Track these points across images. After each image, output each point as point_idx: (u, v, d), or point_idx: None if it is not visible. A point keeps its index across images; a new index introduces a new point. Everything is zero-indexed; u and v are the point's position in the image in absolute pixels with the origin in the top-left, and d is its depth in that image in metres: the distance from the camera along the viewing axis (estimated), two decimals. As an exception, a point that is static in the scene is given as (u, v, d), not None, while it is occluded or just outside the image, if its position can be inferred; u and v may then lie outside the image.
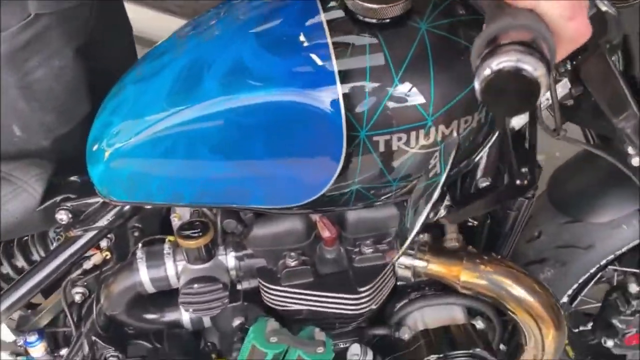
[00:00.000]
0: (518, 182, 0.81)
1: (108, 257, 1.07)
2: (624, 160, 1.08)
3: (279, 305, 1.01)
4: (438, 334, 0.99)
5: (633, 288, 1.22)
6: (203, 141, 0.82)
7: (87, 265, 1.08)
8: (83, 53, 0.97)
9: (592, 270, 1.24)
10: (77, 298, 1.10)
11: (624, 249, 1.20)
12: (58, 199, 0.99)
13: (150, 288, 1.00)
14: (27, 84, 0.92)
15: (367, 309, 0.99)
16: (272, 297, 1.00)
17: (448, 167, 0.74)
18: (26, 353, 1.13)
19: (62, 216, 0.97)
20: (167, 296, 1.08)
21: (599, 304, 1.35)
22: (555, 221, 1.23)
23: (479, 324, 1.05)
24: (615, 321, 1.27)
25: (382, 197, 0.88)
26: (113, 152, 0.85)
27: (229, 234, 1.01)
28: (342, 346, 1.07)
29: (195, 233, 0.95)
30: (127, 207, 0.99)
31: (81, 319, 1.13)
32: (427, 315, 1.04)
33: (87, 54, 0.98)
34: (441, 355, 0.96)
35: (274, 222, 0.97)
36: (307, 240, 0.99)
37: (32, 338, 1.09)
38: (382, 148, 0.79)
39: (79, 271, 1.09)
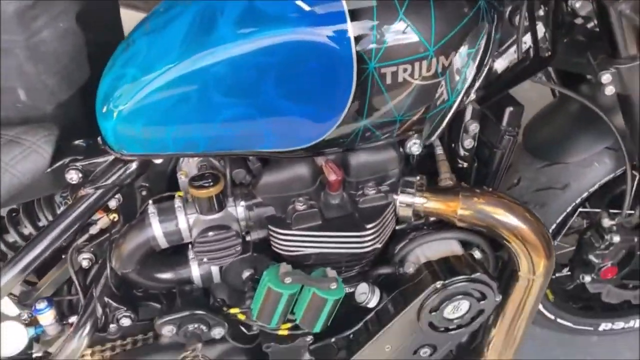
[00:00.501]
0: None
1: (115, 219, 1.09)
2: (594, 99, 1.19)
3: (289, 251, 1.05)
4: (440, 264, 1.06)
5: (606, 223, 1.32)
6: (217, 85, 0.86)
7: (94, 230, 1.10)
8: (83, 20, 1.00)
9: (568, 210, 1.34)
10: (85, 264, 1.10)
11: (596, 186, 1.30)
12: (66, 160, 1.00)
13: (163, 243, 1.03)
14: (33, 44, 0.94)
15: (373, 246, 1.05)
16: (282, 243, 1.04)
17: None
18: (34, 323, 1.13)
19: (72, 175, 0.99)
20: (176, 255, 1.12)
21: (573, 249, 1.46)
22: (533, 167, 1.33)
23: (477, 254, 1.12)
24: (591, 257, 1.37)
25: (386, 134, 0.95)
26: (127, 104, 0.88)
27: (238, 185, 1.05)
28: (349, 290, 1.13)
29: (207, 183, 0.98)
30: (135, 165, 1.01)
31: (89, 285, 1.14)
32: (427, 251, 1.10)
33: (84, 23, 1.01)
34: (446, 281, 1.02)
35: (281, 169, 1.01)
36: (313, 186, 1.04)
37: (42, 305, 1.08)
38: (389, 80, 0.85)
39: (84, 237, 1.10)
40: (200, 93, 0.86)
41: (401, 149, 1.05)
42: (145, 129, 0.90)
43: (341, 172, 1.01)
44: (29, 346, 1.16)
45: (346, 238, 1.03)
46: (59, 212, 1.08)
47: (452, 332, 1.11)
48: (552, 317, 1.57)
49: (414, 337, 1.10)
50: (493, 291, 1.07)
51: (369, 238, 1.03)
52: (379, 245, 1.07)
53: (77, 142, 1.03)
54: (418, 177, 1.09)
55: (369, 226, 1.02)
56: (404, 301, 1.06)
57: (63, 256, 1.16)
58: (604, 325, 1.65)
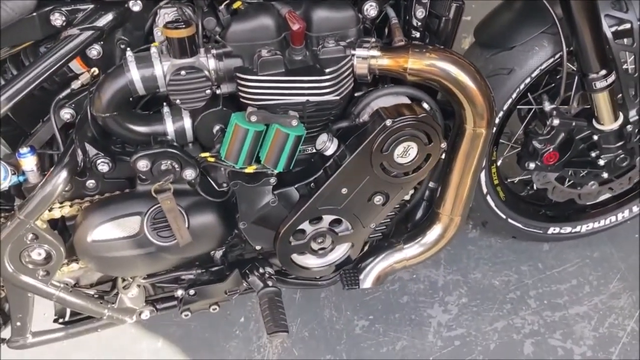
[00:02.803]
0: None
1: (96, 73, 1.18)
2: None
3: (255, 100, 1.15)
4: (390, 109, 1.18)
5: (547, 107, 1.45)
6: None
7: (75, 85, 1.19)
8: None
9: (514, 95, 1.47)
10: (67, 117, 1.20)
11: (537, 70, 1.44)
12: (50, 7, 1.10)
13: (140, 88, 1.12)
14: None
15: (334, 94, 1.15)
16: (249, 90, 1.14)
17: None
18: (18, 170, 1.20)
19: (57, 17, 1.09)
20: (152, 113, 1.22)
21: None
22: (482, 57, 1.46)
23: (425, 106, 1.24)
24: (535, 144, 1.50)
25: None
26: None
27: (209, 38, 1.16)
28: (310, 152, 1.24)
29: (180, 26, 1.08)
30: (113, 12, 1.12)
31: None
32: (380, 104, 1.22)
33: None
34: (396, 119, 1.14)
35: (248, 18, 1.13)
36: (278, 37, 1.15)
37: (24, 150, 1.16)
38: None
39: (66, 91, 1.19)
40: None
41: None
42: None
43: (303, 22, 1.12)
44: (11, 198, 1.24)
45: (307, 83, 1.14)
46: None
47: (402, 178, 1.23)
48: (504, 216, 1.70)
49: (367, 180, 1.21)
50: (438, 135, 1.19)
51: (327, 84, 1.14)
52: (336, 97, 1.18)
53: None
54: (374, 39, 1.21)
55: (327, 71, 1.14)
56: (358, 143, 1.17)
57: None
58: (552, 229, 1.78)
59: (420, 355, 1.61)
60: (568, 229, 1.80)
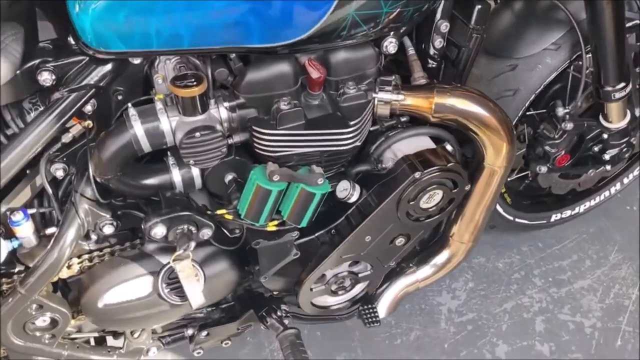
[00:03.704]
0: None
1: (90, 126, 1.05)
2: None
3: (272, 152, 1.06)
4: (417, 156, 1.11)
5: (560, 112, 1.40)
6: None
7: (66, 138, 1.06)
8: None
9: (519, 114, 1.41)
10: (59, 174, 1.07)
11: (541, 87, 1.38)
12: (36, 62, 0.95)
13: (146, 146, 1.01)
14: None
15: (354, 144, 1.08)
16: (266, 144, 1.05)
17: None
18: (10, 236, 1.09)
19: (45, 77, 0.95)
20: (155, 163, 1.11)
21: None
22: (483, 81, 1.38)
23: (448, 147, 1.18)
24: (546, 148, 1.46)
25: (372, 25, 0.96)
26: (108, -6, 0.83)
27: (220, 87, 1.04)
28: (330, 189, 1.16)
29: (190, 83, 0.96)
30: (111, 66, 0.98)
31: (62, 196, 1.12)
32: (402, 147, 1.15)
33: None
34: (424, 172, 1.08)
35: (264, 67, 1.01)
36: (295, 86, 1.04)
37: (18, 217, 1.05)
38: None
39: (56, 146, 1.07)
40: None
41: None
42: (128, 20, 0.86)
43: (324, 70, 1.02)
44: (11, 262, 1.14)
45: (330, 136, 1.05)
46: (29, 118, 1.03)
47: (426, 220, 1.18)
48: (511, 218, 1.70)
49: (391, 227, 1.16)
50: (464, 180, 1.14)
51: (351, 135, 1.06)
52: (358, 143, 1.10)
53: (43, 43, 0.98)
54: (393, 77, 1.11)
55: (352, 123, 1.05)
56: (384, 193, 1.11)
57: (28, 171, 1.13)
58: (555, 216, 1.80)
59: (434, 344, 1.63)
60: (568, 212, 1.82)
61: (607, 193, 1.87)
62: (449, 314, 1.70)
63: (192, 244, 1.06)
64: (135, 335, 1.30)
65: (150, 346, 1.36)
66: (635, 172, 1.87)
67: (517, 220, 1.72)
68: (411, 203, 1.12)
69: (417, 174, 1.08)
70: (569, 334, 1.65)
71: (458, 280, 1.77)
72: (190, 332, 1.34)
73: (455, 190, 1.15)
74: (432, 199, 1.14)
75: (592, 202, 1.86)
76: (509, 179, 1.72)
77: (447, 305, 1.72)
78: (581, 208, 1.84)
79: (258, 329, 1.66)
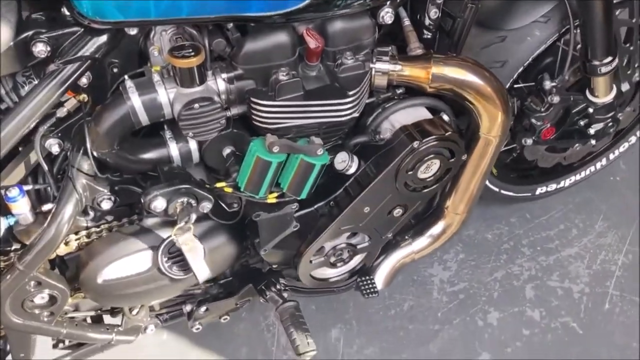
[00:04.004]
0: None
1: (85, 99, 1.04)
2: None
3: (271, 124, 1.06)
4: (415, 126, 1.11)
5: (547, 85, 1.41)
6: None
7: (61, 113, 1.05)
8: None
9: (507, 86, 1.42)
10: (55, 149, 1.06)
11: (530, 59, 1.39)
12: (30, 33, 0.93)
13: (144, 118, 1.00)
14: None
15: (352, 115, 1.08)
16: (265, 115, 1.04)
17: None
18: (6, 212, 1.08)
19: (40, 48, 0.93)
20: (151, 137, 1.10)
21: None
22: (472, 51, 1.38)
23: (445, 117, 1.18)
24: (532, 120, 1.48)
25: None
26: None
27: (217, 59, 1.03)
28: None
29: (188, 53, 0.95)
30: (106, 37, 0.96)
31: (58, 172, 1.11)
32: (400, 118, 1.15)
33: None
34: (422, 141, 1.08)
35: (262, 37, 1.00)
36: (293, 56, 1.03)
37: (14, 193, 1.03)
38: None
39: (51, 121, 1.05)
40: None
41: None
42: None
43: (322, 40, 1.01)
44: (7, 240, 1.12)
45: (328, 106, 1.05)
46: (23, 92, 1.01)
47: (423, 191, 1.20)
48: (497, 189, 1.72)
49: (389, 198, 1.17)
50: (461, 149, 1.15)
51: (350, 106, 1.06)
52: (357, 115, 1.10)
53: (36, 14, 0.96)
54: (390, 47, 1.11)
55: (350, 93, 1.05)
56: (383, 163, 1.11)
57: (20, 148, 1.12)
58: (540, 190, 1.83)
59: (428, 313, 1.66)
60: (554, 186, 1.85)
61: (592, 168, 1.90)
62: (441, 284, 1.73)
63: (193, 216, 1.05)
64: (134, 313, 1.30)
65: (148, 324, 1.36)
66: (622, 149, 1.90)
67: (502, 192, 1.74)
68: (409, 173, 1.13)
69: (415, 144, 1.08)
70: (558, 299, 1.69)
71: (449, 252, 1.80)
72: (188, 308, 1.34)
73: (453, 160, 1.16)
74: (429, 169, 1.15)
75: (578, 177, 1.89)
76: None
77: (438, 276, 1.75)
78: (566, 182, 1.87)
79: (253, 305, 1.67)
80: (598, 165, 1.90)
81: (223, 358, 1.58)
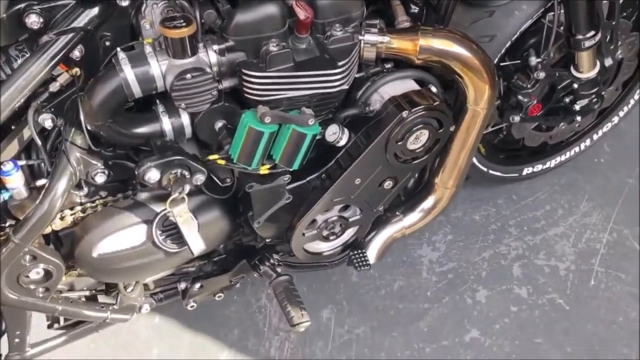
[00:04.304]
0: None
1: (78, 73, 1.05)
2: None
3: (262, 96, 1.07)
4: (403, 97, 1.14)
5: (533, 61, 1.45)
6: None
7: (54, 87, 1.06)
8: None
9: (495, 60, 1.45)
10: (48, 124, 1.07)
11: (517, 34, 1.42)
12: (22, 5, 0.95)
13: (137, 90, 1.01)
14: None
15: (342, 86, 1.10)
16: (256, 87, 1.06)
17: None
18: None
19: (33, 20, 0.94)
20: (144, 112, 1.11)
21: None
22: (461, 26, 1.41)
23: (433, 89, 1.21)
24: (519, 97, 1.51)
25: None
26: None
27: (208, 31, 1.05)
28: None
29: (180, 24, 0.97)
30: (97, 9, 0.98)
31: (52, 147, 1.12)
32: (389, 90, 1.18)
33: None
34: (411, 110, 1.11)
35: (251, 9, 1.02)
36: (283, 28, 1.06)
37: (8, 167, 1.04)
38: None
39: (44, 96, 1.06)
40: None
41: None
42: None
43: (311, 11, 1.03)
44: (1, 216, 1.13)
45: (319, 77, 1.07)
46: (16, 65, 1.02)
47: (413, 162, 1.22)
48: (485, 169, 1.75)
49: (380, 169, 1.19)
50: (449, 120, 1.17)
51: (339, 77, 1.08)
52: (346, 86, 1.12)
53: None
54: (379, 20, 1.14)
55: (340, 64, 1.07)
56: (373, 134, 1.14)
57: (13, 127, 1.13)
58: (527, 170, 1.87)
59: (417, 292, 1.69)
60: (540, 167, 1.89)
61: (577, 149, 1.94)
62: (430, 264, 1.75)
63: (187, 187, 1.07)
64: (129, 290, 1.31)
65: (142, 303, 1.37)
66: (605, 129, 1.95)
67: (490, 172, 1.77)
68: (399, 143, 1.15)
69: (404, 113, 1.11)
70: (545, 277, 1.72)
71: (437, 233, 1.83)
72: (183, 286, 1.35)
73: (441, 130, 1.18)
74: (418, 140, 1.18)
75: (563, 157, 1.93)
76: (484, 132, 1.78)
77: (427, 256, 1.77)
78: (552, 162, 1.91)
79: (245, 289, 1.69)
80: (582, 145, 1.94)
81: (216, 340, 1.59)
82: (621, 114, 1.92)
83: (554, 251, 1.79)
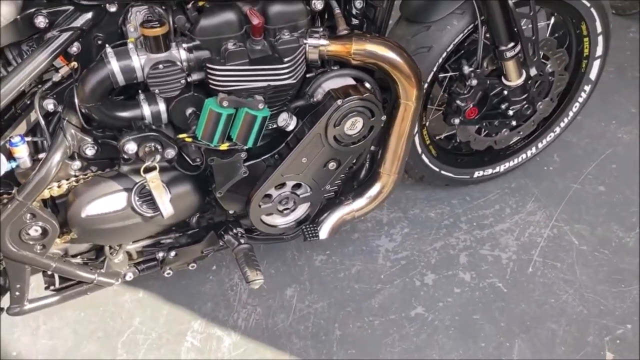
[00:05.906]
0: None
1: (75, 67, 1.31)
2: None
3: (223, 87, 1.32)
4: (339, 89, 1.39)
5: (466, 70, 1.70)
6: None
7: (56, 78, 1.32)
8: None
9: (435, 69, 1.70)
10: (50, 108, 1.32)
11: (452, 45, 1.68)
12: (32, 10, 1.22)
13: (120, 78, 1.26)
14: None
15: (289, 80, 1.35)
16: (218, 79, 1.31)
17: None
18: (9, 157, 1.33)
19: (40, 20, 1.21)
20: (129, 100, 1.37)
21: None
22: (404, 39, 1.67)
23: (367, 85, 1.46)
24: (458, 102, 1.76)
25: None
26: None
27: (179, 34, 1.31)
28: (272, 127, 1.43)
29: (155, 25, 1.23)
30: (91, 14, 1.24)
31: (54, 128, 1.37)
32: (330, 84, 1.43)
33: None
34: (345, 99, 1.35)
35: (214, 15, 1.28)
36: (240, 31, 1.31)
37: (16, 139, 1.29)
38: None
39: (48, 84, 1.32)
40: None
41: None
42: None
43: (262, 17, 1.29)
44: (8, 184, 1.37)
45: (269, 71, 1.32)
46: (26, 57, 1.29)
47: (352, 146, 1.46)
48: (437, 169, 1.99)
49: (323, 149, 1.43)
50: (379, 109, 1.42)
51: (286, 71, 1.33)
52: (293, 81, 1.37)
53: None
54: (322, 28, 1.39)
55: (286, 60, 1.32)
56: (315, 119, 1.38)
57: (22, 112, 1.38)
58: (477, 173, 2.10)
59: (372, 275, 1.90)
60: (490, 171, 2.11)
61: (524, 155, 2.17)
62: (386, 253, 1.97)
63: (158, 157, 1.31)
64: (114, 255, 1.54)
65: (127, 271, 1.59)
66: (548, 138, 2.18)
67: (442, 172, 2.00)
68: (336, 127, 1.39)
69: (339, 102, 1.35)
70: (488, 264, 1.93)
71: (395, 227, 2.05)
72: (160, 255, 1.58)
73: (373, 119, 1.42)
74: (354, 126, 1.42)
75: (512, 163, 2.16)
76: (437, 138, 2.02)
77: (384, 246, 1.99)
78: (501, 167, 2.14)
79: (220, 269, 1.91)
80: (529, 153, 2.17)
81: (190, 311, 1.81)
82: (562, 124, 2.16)
83: (498, 243, 2.00)
